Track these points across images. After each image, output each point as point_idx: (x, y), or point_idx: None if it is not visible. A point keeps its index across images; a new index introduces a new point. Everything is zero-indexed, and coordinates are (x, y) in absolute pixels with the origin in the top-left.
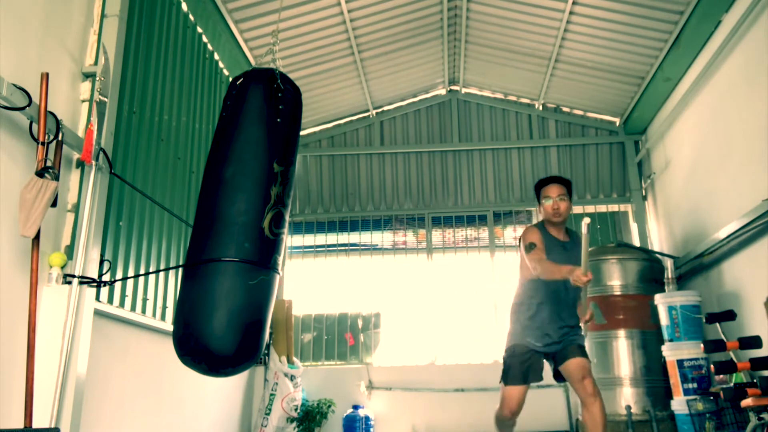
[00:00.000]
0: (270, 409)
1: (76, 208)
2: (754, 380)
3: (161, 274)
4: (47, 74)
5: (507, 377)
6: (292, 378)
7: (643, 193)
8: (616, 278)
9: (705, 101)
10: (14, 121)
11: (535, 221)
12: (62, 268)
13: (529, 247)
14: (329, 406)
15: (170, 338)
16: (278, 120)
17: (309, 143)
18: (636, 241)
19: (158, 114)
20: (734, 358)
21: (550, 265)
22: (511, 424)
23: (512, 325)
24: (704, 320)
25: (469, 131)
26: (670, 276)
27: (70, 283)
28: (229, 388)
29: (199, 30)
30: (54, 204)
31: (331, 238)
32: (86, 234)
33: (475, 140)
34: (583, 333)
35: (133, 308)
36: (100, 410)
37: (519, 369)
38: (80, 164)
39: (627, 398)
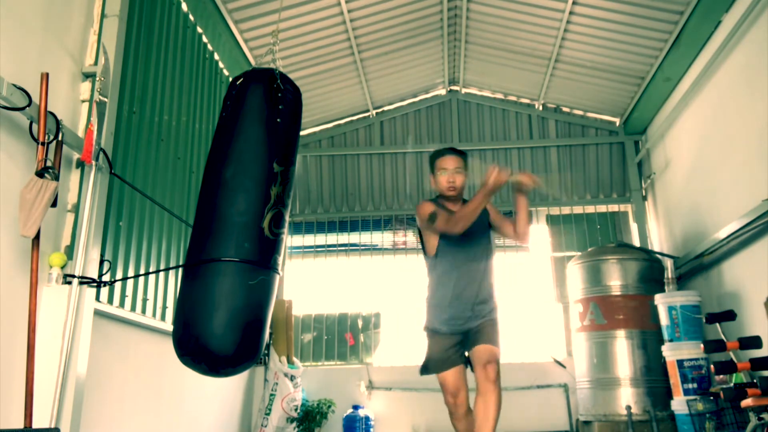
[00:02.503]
0: (270, 409)
1: (76, 208)
2: (754, 380)
3: (161, 274)
4: (47, 74)
5: (427, 367)
6: (292, 378)
7: (643, 193)
8: (616, 278)
9: (705, 101)
10: (14, 121)
11: (535, 221)
12: (62, 268)
13: (432, 218)
14: (329, 406)
15: (170, 338)
16: (278, 120)
17: (309, 143)
18: (636, 241)
19: (158, 114)
20: (734, 358)
21: (465, 207)
22: (458, 415)
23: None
24: (704, 320)
25: (469, 131)
26: (670, 276)
27: (70, 283)
28: (229, 388)
29: (199, 30)
30: (54, 204)
31: (331, 238)
32: (86, 234)
33: (475, 140)
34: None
35: (133, 308)
36: (100, 410)
37: (435, 356)
38: (80, 164)
39: (627, 398)
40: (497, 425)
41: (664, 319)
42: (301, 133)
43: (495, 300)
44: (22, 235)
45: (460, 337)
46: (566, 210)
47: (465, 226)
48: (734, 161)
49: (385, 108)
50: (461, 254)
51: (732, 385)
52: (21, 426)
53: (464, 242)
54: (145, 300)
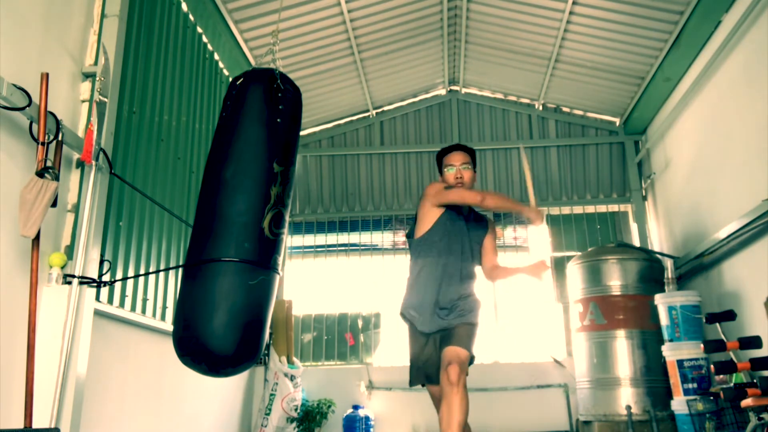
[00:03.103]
0: (270, 409)
1: (76, 208)
2: (754, 380)
3: (161, 274)
4: (47, 74)
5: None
6: (292, 378)
7: (643, 193)
8: (616, 278)
9: (705, 101)
10: (14, 121)
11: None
12: (62, 268)
13: (448, 188)
14: (329, 406)
15: (170, 338)
16: (278, 120)
17: (309, 143)
18: (636, 241)
19: (158, 114)
20: (734, 358)
21: (503, 197)
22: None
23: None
24: (704, 320)
25: (469, 131)
26: (670, 276)
27: (70, 283)
28: (229, 388)
29: (199, 30)
30: (54, 204)
31: (331, 238)
32: (86, 234)
33: (475, 140)
34: (466, 308)
35: (133, 308)
36: (100, 410)
37: (413, 364)
38: (80, 164)
39: (627, 398)
40: (463, 428)
41: (664, 319)
42: (301, 133)
43: (470, 302)
44: (22, 235)
45: (438, 338)
46: (566, 210)
47: (494, 204)
48: (734, 161)
49: (385, 108)
50: (443, 252)
51: (732, 385)
52: (21, 426)
53: (452, 239)
54: (145, 300)
